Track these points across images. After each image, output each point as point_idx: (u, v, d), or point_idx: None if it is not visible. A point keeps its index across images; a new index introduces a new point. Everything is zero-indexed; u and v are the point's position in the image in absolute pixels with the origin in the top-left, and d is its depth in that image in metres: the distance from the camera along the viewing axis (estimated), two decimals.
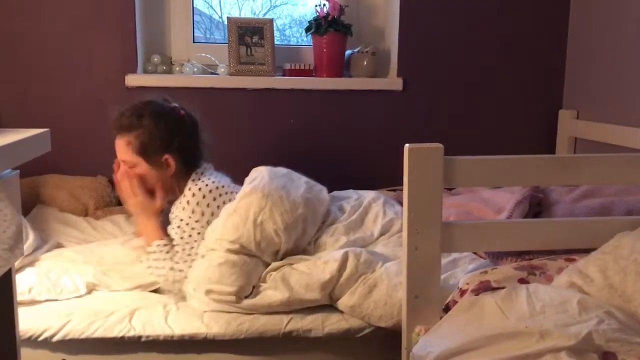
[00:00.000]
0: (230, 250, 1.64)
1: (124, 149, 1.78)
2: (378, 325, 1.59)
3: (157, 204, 1.78)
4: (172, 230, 1.75)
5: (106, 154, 2.19)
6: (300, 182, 1.83)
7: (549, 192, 1.81)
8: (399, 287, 1.54)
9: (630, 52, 2.02)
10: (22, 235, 1.06)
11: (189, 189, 1.77)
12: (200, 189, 1.76)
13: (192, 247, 1.70)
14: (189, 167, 1.81)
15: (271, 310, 1.60)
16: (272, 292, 1.61)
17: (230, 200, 1.76)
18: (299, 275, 1.63)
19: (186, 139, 1.80)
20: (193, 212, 1.73)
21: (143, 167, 1.77)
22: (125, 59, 2.19)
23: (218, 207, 1.75)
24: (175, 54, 2.38)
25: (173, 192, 1.82)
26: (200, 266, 1.64)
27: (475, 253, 1.77)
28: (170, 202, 1.81)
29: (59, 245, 1.90)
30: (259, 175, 1.78)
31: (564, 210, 1.66)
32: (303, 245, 1.77)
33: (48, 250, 1.83)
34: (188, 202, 1.74)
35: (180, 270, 1.66)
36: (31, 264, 1.75)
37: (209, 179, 1.80)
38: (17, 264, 1.72)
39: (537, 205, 1.73)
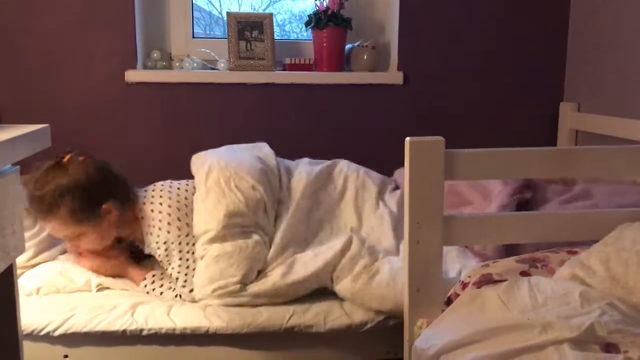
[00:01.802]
0: (222, 239, 1.63)
1: (60, 229, 1.68)
2: (378, 309, 1.59)
3: (121, 255, 1.77)
4: (160, 256, 1.69)
5: (107, 151, 2.21)
6: (237, 149, 1.93)
7: (543, 189, 1.81)
8: (401, 272, 1.55)
9: (632, 44, 2.01)
10: (22, 231, 1.06)
11: (148, 215, 1.72)
12: (160, 211, 1.72)
13: (188, 260, 1.69)
14: (126, 199, 1.75)
15: (276, 293, 1.61)
16: (275, 272, 1.63)
17: (188, 192, 1.76)
18: (304, 257, 1.67)
19: (106, 179, 1.72)
20: (168, 231, 1.70)
21: (90, 231, 1.69)
22: (125, 54, 2.19)
23: (186, 205, 1.73)
24: (175, 49, 2.37)
25: (131, 227, 1.76)
26: (199, 270, 1.64)
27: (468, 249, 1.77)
28: (136, 238, 1.78)
29: None
30: (203, 156, 1.84)
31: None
32: (281, 197, 1.81)
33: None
34: (157, 226, 1.70)
35: (183, 286, 1.66)
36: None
37: (154, 193, 1.76)
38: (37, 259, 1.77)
39: (525, 204, 1.73)
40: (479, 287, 1.30)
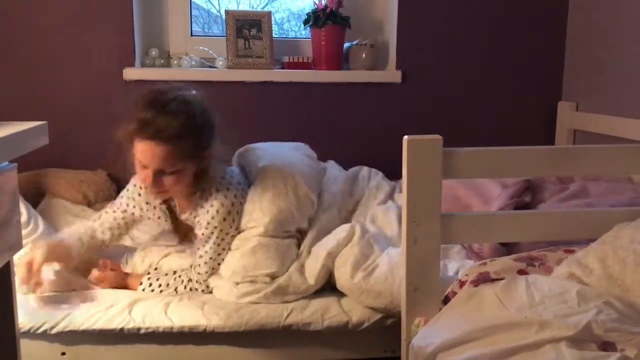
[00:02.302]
0: (264, 234, 1.66)
1: (163, 158, 1.54)
2: (375, 307, 1.59)
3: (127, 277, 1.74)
4: (204, 232, 1.67)
5: (105, 148, 2.20)
6: (286, 147, 1.98)
7: (541, 190, 1.81)
8: (399, 267, 1.55)
9: (630, 43, 2.01)
10: (20, 228, 1.05)
11: (220, 196, 1.67)
12: (229, 198, 1.67)
13: (219, 254, 1.69)
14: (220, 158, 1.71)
15: (293, 289, 1.64)
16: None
17: (244, 192, 1.74)
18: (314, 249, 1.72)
19: (213, 130, 1.65)
20: (225, 219, 1.67)
21: (185, 170, 1.60)
22: (123, 52, 2.18)
23: (241, 204, 1.71)
24: (173, 47, 2.37)
25: (203, 186, 1.69)
26: (233, 258, 1.66)
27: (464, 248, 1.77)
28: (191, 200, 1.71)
29: None
30: (255, 150, 1.88)
31: (551, 209, 1.68)
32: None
33: None
34: (218, 211, 1.65)
35: (200, 273, 1.68)
36: None
37: (231, 184, 1.72)
38: None
39: (524, 207, 1.74)
40: (476, 286, 1.30)
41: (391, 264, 1.61)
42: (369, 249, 1.67)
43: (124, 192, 1.81)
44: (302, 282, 1.65)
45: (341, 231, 1.72)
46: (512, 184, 1.80)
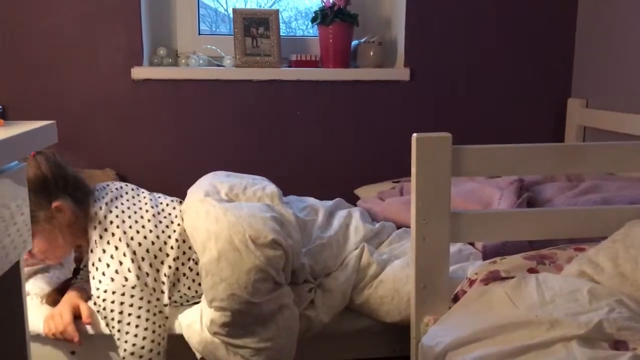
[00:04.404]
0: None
1: None
2: (385, 321, 1.58)
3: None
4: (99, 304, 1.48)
5: (113, 147, 2.21)
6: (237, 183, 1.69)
7: (540, 191, 1.80)
8: (405, 280, 1.54)
9: None
10: (29, 226, 1.06)
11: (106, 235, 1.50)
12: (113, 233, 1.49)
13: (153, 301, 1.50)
14: (81, 202, 1.55)
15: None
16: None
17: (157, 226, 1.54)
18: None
19: (61, 175, 1.52)
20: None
21: (39, 231, 1.46)
22: (131, 51, 2.19)
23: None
24: (181, 46, 2.37)
25: (75, 241, 1.57)
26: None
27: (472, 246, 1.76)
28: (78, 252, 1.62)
29: None
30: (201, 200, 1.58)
31: (566, 205, 1.66)
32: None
33: None
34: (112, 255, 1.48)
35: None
36: None
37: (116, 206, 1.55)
38: None
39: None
40: (486, 284, 1.29)
41: (396, 280, 1.58)
42: (378, 264, 1.63)
43: None
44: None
45: (354, 257, 1.63)
46: (509, 182, 1.78)
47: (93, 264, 1.49)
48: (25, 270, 1.17)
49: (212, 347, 1.46)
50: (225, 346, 1.45)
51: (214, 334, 1.44)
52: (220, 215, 1.49)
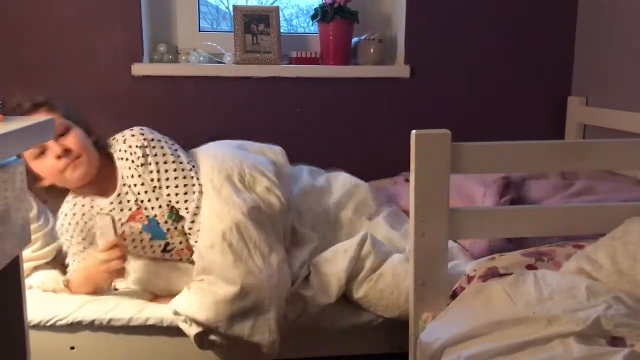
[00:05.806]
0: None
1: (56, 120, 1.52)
2: (384, 316, 1.58)
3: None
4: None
5: None
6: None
7: (531, 189, 1.80)
8: (405, 275, 1.54)
9: None
10: (29, 222, 1.06)
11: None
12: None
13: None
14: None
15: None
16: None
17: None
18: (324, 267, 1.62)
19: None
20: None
21: (76, 128, 1.63)
22: (131, 48, 2.19)
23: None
24: (181, 42, 2.37)
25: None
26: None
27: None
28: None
29: None
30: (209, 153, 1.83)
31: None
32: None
33: None
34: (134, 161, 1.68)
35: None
36: None
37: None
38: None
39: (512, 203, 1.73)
40: (484, 281, 1.29)
41: (395, 274, 1.58)
42: (377, 256, 1.62)
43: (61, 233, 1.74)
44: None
45: (354, 244, 1.63)
46: (493, 180, 1.78)
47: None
48: (25, 265, 1.18)
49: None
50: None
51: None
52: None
